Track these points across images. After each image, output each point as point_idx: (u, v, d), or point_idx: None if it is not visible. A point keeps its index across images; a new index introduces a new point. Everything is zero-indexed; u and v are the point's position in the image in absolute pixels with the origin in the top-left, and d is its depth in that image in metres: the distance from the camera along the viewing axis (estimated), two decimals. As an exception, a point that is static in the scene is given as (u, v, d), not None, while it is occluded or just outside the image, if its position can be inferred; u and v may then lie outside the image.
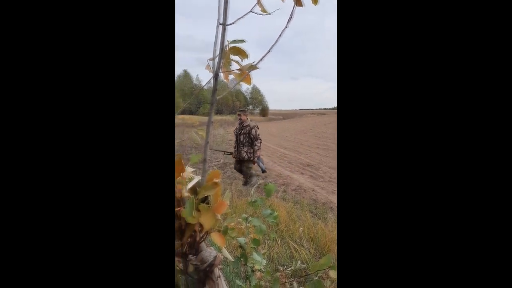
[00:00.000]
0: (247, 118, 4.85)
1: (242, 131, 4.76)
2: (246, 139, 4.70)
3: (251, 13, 0.89)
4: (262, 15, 0.94)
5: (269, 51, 0.90)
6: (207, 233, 0.73)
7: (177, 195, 0.69)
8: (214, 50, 0.90)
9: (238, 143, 4.80)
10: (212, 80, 0.90)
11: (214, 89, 0.84)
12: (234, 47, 0.97)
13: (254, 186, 1.38)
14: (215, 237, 0.67)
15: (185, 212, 0.63)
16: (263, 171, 5.12)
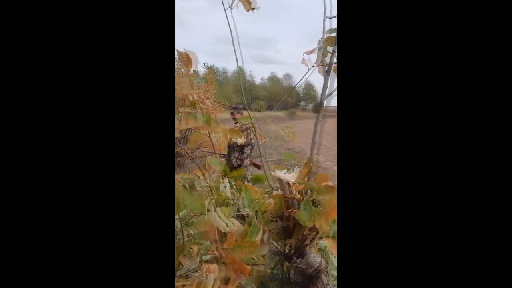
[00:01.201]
0: (241, 117, 3.80)
1: None
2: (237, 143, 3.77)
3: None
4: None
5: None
6: (315, 237, 0.70)
7: (290, 196, 0.67)
8: (319, 44, 0.85)
9: (229, 147, 3.85)
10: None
11: (325, 86, 0.79)
12: (331, 37, 0.91)
13: None
14: (330, 243, 0.63)
15: (303, 215, 0.60)
16: None
